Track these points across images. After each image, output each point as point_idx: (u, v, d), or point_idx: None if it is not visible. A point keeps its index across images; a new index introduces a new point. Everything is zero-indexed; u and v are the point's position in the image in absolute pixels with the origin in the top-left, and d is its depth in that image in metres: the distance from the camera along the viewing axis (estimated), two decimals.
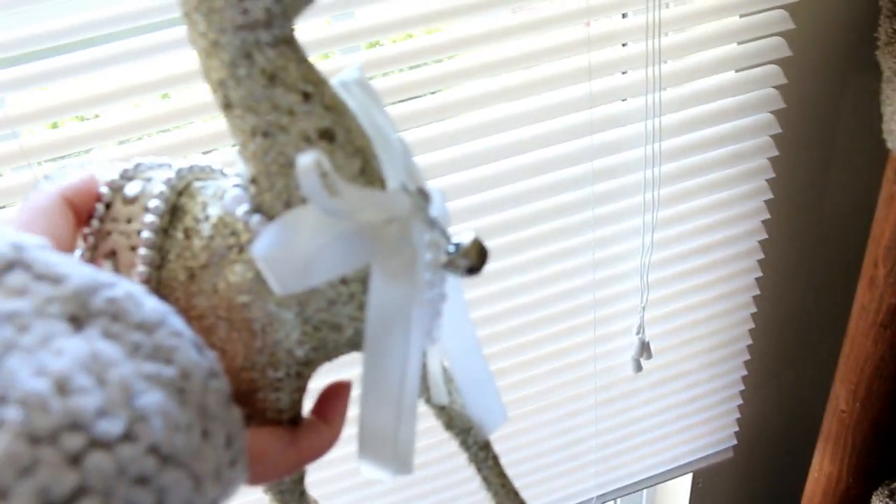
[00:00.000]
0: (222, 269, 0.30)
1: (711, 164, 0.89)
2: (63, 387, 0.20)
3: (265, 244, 0.26)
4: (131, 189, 0.32)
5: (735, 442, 1.24)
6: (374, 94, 0.31)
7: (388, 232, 0.28)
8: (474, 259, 0.30)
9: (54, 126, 0.70)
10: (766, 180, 0.94)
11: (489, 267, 0.83)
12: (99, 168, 0.34)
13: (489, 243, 0.78)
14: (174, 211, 0.32)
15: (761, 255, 1.00)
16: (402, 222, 0.28)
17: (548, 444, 1.08)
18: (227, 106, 0.27)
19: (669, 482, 1.34)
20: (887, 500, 1.07)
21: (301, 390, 0.33)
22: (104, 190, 0.32)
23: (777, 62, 0.86)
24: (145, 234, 0.30)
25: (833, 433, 1.08)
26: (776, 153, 0.91)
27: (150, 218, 0.31)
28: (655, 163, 0.84)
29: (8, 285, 0.21)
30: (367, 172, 0.28)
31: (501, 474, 0.41)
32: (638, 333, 0.95)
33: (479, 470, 0.40)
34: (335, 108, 0.28)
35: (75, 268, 0.23)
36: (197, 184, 0.33)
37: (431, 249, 0.30)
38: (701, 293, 1.00)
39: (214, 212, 0.30)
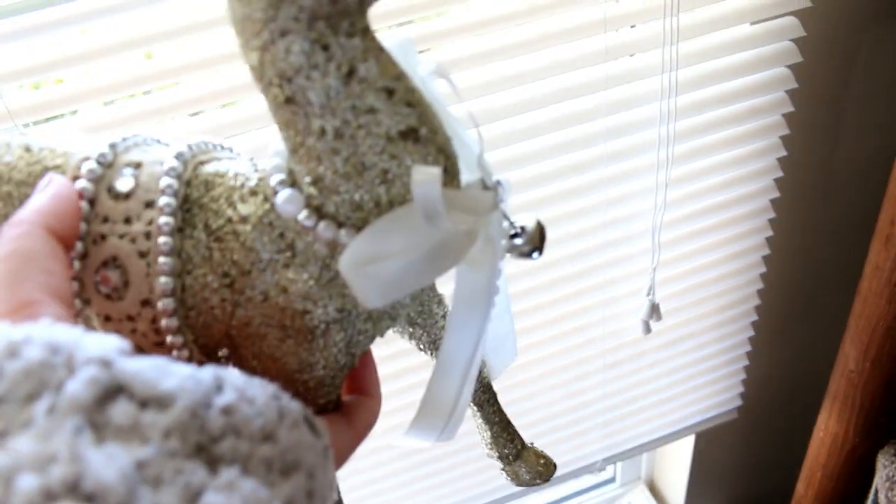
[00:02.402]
0: (273, 276, 0.27)
1: (725, 121, 0.86)
2: None
3: (355, 257, 0.24)
4: (123, 184, 0.28)
5: (740, 402, 1.24)
6: (453, 86, 0.28)
7: (474, 232, 0.27)
8: (538, 243, 0.30)
9: (37, 87, 0.67)
10: (780, 137, 0.92)
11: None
12: (65, 149, 0.29)
13: None
14: (185, 203, 0.28)
15: (773, 215, 0.98)
16: (485, 219, 0.27)
17: (555, 407, 1.07)
18: (288, 102, 0.24)
19: (672, 443, 1.34)
20: (893, 458, 1.07)
21: (346, 376, 0.31)
22: (84, 184, 0.27)
23: (794, 14, 0.83)
24: (163, 239, 0.27)
25: (840, 393, 1.08)
26: (791, 109, 0.89)
27: (163, 219, 0.27)
28: (670, 119, 0.81)
29: (117, 423, 0.19)
30: (450, 171, 0.26)
31: (501, 411, 0.40)
32: (648, 295, 0.94)
33: (481, 409, 0.40)
34: (418, 104, 0.25)
35: (172, 377, 0.21)
36: (205, 170, 0.29)
37: (504, 238, 0.29)
38: (711, 253, 0.98)
39: (249, 209, 0.27)
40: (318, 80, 0.23)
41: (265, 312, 0.27)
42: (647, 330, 0.97)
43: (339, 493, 0.36)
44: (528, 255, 0.31)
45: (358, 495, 1.03)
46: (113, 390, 0.20)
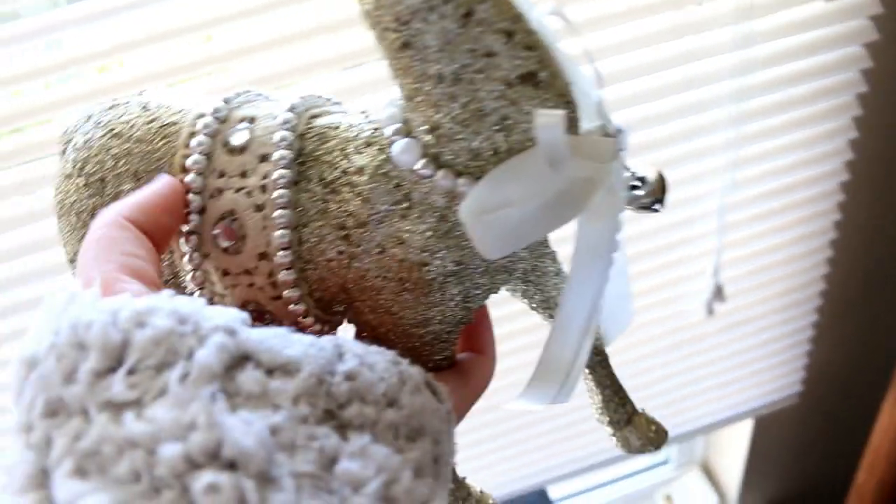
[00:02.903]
0: (389, 228, 0.27)
1: (797, 100, 0.85)
2: None
3: (475, 206, 0.24)
4: (238, 137, 0.28)
5: (801, 388, 1.22)
6: (572, 25, 0.27)
7: (595, 181, 0.25)
8: (660, 194, 0.29)
9: (102, 70, 0.68)
10: (853, 118, 0.89)
11: None
12: (180, 107, 0.30)
13: None
14: (300, 156, 0.28)
15: (842, 197, 0.96)
16: (606, 168, 0.26)
17: None
18: (404, 47, 0.23)
19: (729, 428, 1.33)
20: None
21: (460, 332, 0.31)
22: (202, 139, 0.28)
23: None
24: (278, 192, 0.27)
25: None
26: (865, 89, 0.87)
27: (279, 172, 0.27)
28: (741, 97, 0.80)
29: (247, 390, 0.20)
30: (570, 117, 0.25)
31: (612, 375, 0.39)
32: (713, 276, 0.93)
33: (593, 372, 0.39)
34: (537, 47, 0.24)
35: (295, 345, 0.21)
36: (318, 123, 0.29)
37: (625, 188, 0.28)
38: (777, 235, 0.97)
39: (364, 161, 0.27)
40: (435, 23, 0.22)
41: (382, 265, 0.27)
42: (711, 311, 0.96)
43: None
44: (650, 206, 0.29)
45: None
46: (240, 358, 0.20)
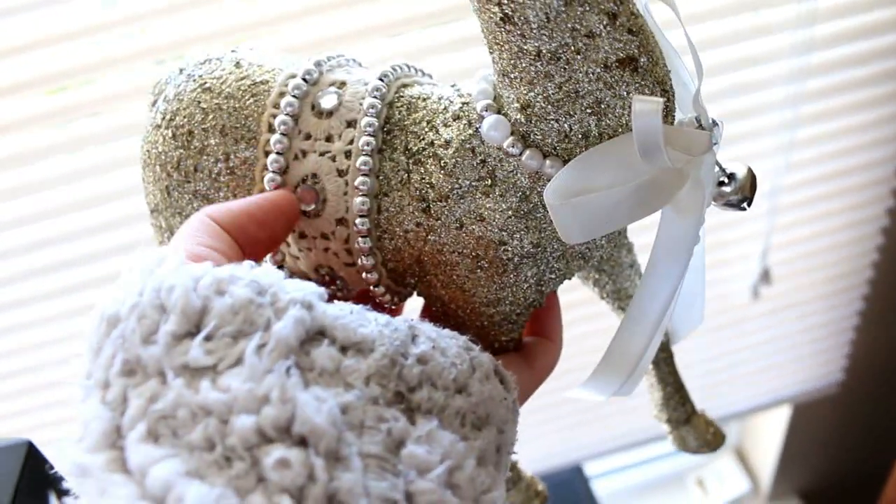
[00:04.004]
0: (470, 203, 0.27)
1: (856, 83, 0.83)
2: None
3: (560, 189, 0.24)
4: (327, 101, 0.28)
5: (842, 377, 1.21)
6: (676, 12, 0.26)
7: (684, 173, 0.25)
8: (748, 193, 0.28)
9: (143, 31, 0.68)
10: None
11: None
12: (273, 66, 0.30)
13: None
14: (386, 124, 0.28)
15: None
16: (696, 161, 0.25)
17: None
18: (504, 20, 0.23)
19: (765, 414, 1.33)
20: None
21: (530, 316, 0.31)
22: (291, 100, 0.28)
23: None
24: (362, 159, 0.27)
25: None
26: None
27: (365, 139, 0.27)
28: (800, 78, 0.79)
29: (321, 366, 0.19)
30: (667, 106, 0.25)
31: (676, 373, 0.39)
32: (761, 259, 0.92)
33: (657, 368, 0.38)
34: (640, 32, 0.24)
35: (370, 324, 0.21)
36: (408, 93, 0.29)
37: (713, 184, 0.27)
38: (827, 220, 0.95)
39: (451, 134, 0.27)
40: (522, 15, 0.22)
41: (459, 240, 0.27)
42: (756, 295, 0.96)
43: None
44: (737, 205, 0.28)
45: None
46: (315, 333, 0.20)
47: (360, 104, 0.28)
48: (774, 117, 0.82)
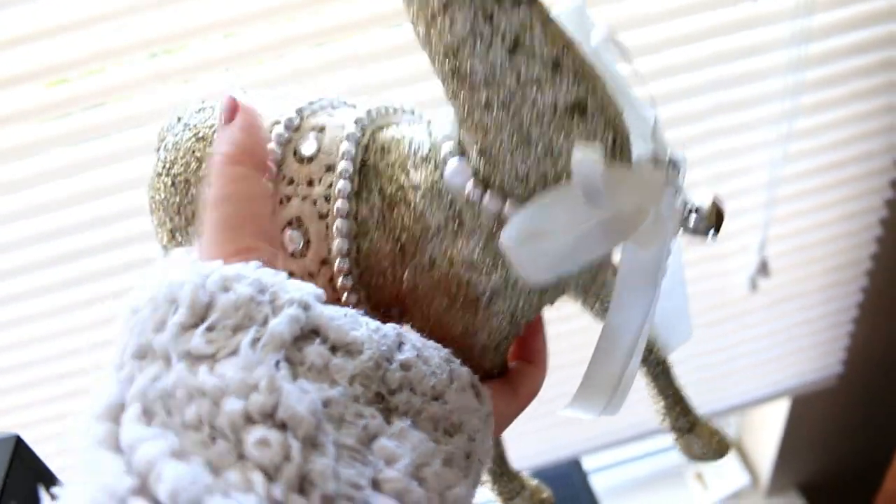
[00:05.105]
0: (441, 244, 0.28)
1: (854, 73, 0.83)
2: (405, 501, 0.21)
3: (516, 233, 0.25)
4: (307, 147, 0.29)
5: (840, 370, 1.20)
6: (625, 52, 0.27)
7: (643, 210, 0.26)
8: (714, 223, 0.29)
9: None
10: None
11: None
12: (247, 104, 0.31)
13: None
14: (363, 168, 0.29)
15: (895, 174, 0.94)
16: (654, 197, 0.26)
17: None
18: (453, 74, 0.24)
19: (763, 405, 1.32)
20: None
21: (511, 343, 0.31)
22: (273, 147, 0.29)
23: None
24: (340, 203, 0.28)
25: None
26: None
27: (341, 183, 0.28)
28: (798, 69, 0.78)
29: (310, 362, 0.22)
30: (619, 145, 0.25)
31: (674, 385, 0.39)
32: (759, 251, 0.92)
33: (655, 381, 0.39)
34: (586, 75, 0.24)
35: (361, 328, 0.23)
36: (383, 135, 0.30)
37: (677, 216, 0.28)
38: (826, 212, 0.95)
39: (422, 176, 0.28)
40: (482, 53, 0.23)
41: (432, 279, 0.28)
42: (754, 287, 0.95)
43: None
44: (703, 234, 0.29)
45: None
46: (309, 332, 0.22)
47: (338, 149, 0.29)
48: (772, 108, 0.82)
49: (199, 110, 0.33)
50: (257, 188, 0.28)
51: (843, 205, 0.95)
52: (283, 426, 0.20)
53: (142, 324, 0.21)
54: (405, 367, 0.23)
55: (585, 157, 0.23)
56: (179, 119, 0.33)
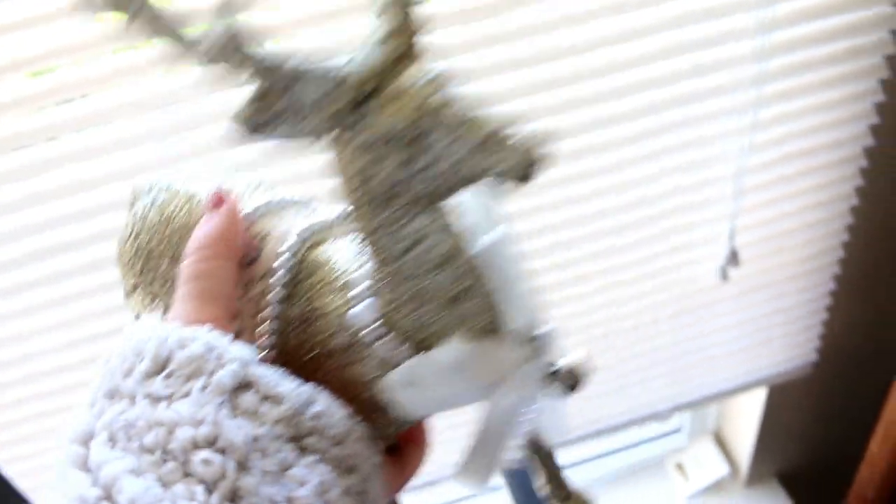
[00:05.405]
0: (345, 362, 0.32)
1: (820, 61, 0.82)
2: None
3: (400, 378, 0.31)
4: (247, 255, 0.34)
5: (816, 358, 1.21)
6: (511, 240, 0.32)
7: (507, 377, 0.32)
8: (573, 385, 0.34)
9: None
10: (879, 80, 0.87)
11: (563, 169, 0.80)
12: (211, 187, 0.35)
13: (561, 144, 0.75)
14: (294, 278, 0.33)
15: (865, 163, 0.94)
16: (518, 368, 0.32)
17: (624, 352, 1.06)
18: (363, 231, 0.28)
19: (742, 396, 1.33)
20: None
21: (403, 430, 0.36)
22: None
23: None
24: (270, 310, 0.33)
25: None
26: (893, 50, 0.84)
27: (275, 291, 0.33)
28: (762, 58, 0.78)
29: (244, 407, 0.27)
30: (495, 325, 0.30)
31: (551, 464, 0.43)
32: (728, 240, 0.91)
33: (535, 455, 0.42)
34: (472, 271, 0.29)
35: (285, 385, 0.28)
36: (314, 253, 0.34)
37: (540, 376, 0.33)
38: (796, 200, 0.95)
39: (338, 302, 0.32)
40: (387, 242, 0.28)
41: (338, 383, 0.32)
42: (725, 277, 0.95)
43: None
44: (562, 395, 0.34)
45: None
46: (245, 384, 0.28)
47: (276, 258, 0.33)
48: (738, 98, 0.82)
49: (167, 187, 0.36)
50: (226, 272, 0.32)
51: (813, 193, 0.95)
52: (222, 451, 0.25)
53: (113, 371, 0.27)
54: (315, 417, 0.29)
55: (460, 336, 0.29)
56: (151, 189, 0.37)
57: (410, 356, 0.31)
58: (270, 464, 0.26)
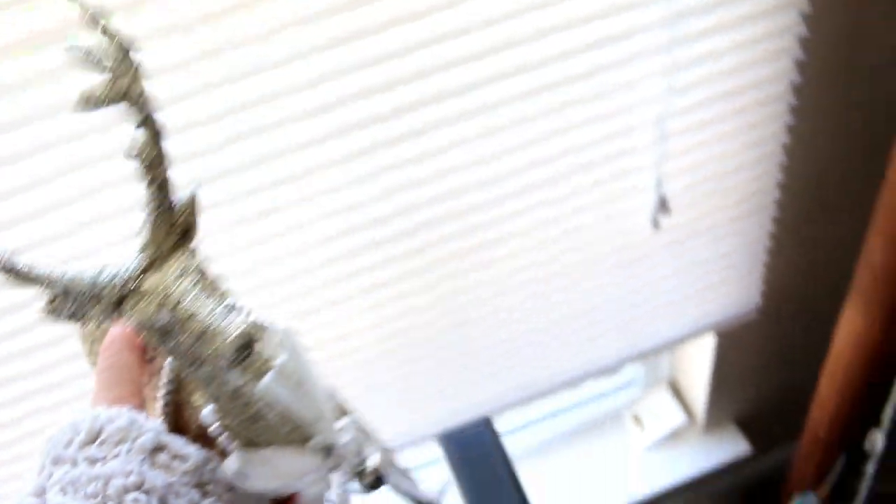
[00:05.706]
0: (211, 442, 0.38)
1: None
2: None
3: (234, 468, 0.36)
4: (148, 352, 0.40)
5: (760, 301, 1.20)
6: (299, 362, 0.36)
7: (302, 482, 0.38)
8: (375, 482, 0.40)
9: None
10: (800, 14, 0.84)
11: (480, 122, 0.77)
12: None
13: (480, 95, 0.72)
14: (178, 377, 0.39)
15: (793, 100, 0.92)
16: (316, 473, 0.38)
17: (565, 309, 1.05)
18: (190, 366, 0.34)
19: (692, 344, 1.32)
20: None
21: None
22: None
23: None
24: (162, 402, 0.39)
25: (865, 286, 1.03)
26: None
27: (163, 383, 0.39)
28: None
29: (160, 463, 0.34)
30: (295, 434, 0.36)
31: None
32: (656, 188, 0.89)
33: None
34: (260, 399, 0.34)
35: (189, 448, 0.35)
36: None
37: (343, 477, 0.39)
38: (724, 143, 0.92)
39: (200, 401, 0.38)
40: (209, 391, 0.35)
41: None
42: (657, 225, 0.93)
43: None
44: (365, 492, 0.40)
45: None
46: (159, 447, 0.34)
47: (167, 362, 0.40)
48: (653, 38, 0.79)
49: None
50: (131, 363, 0.39)
51: (742, 134, 0.93)
52: (147, 492, 0.32)
53: (56, 444, 0.33)
54: (212, 471, 0.35)
55: (231, 467, 0.36)
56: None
57: (239, 450, 0.37)
58: (183, 502, 0.33)
